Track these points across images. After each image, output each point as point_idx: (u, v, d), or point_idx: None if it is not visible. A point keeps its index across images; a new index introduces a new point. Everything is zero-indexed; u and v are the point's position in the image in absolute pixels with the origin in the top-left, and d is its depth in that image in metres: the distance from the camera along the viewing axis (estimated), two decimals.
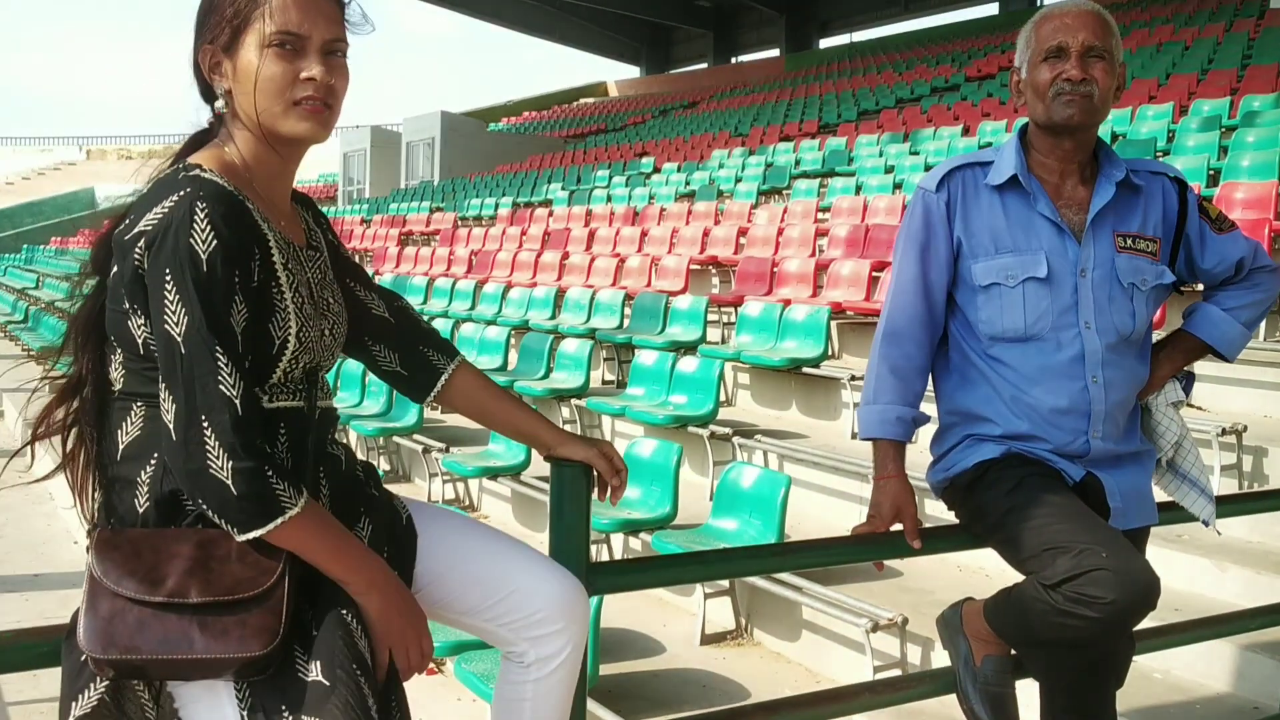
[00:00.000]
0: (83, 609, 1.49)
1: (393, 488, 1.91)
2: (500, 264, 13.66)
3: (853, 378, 6.81)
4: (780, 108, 23.09)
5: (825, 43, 35.14)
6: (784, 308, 8.04)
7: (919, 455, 2.53)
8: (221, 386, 1.48)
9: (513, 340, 9.64)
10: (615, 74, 41.41)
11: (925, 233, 2.41)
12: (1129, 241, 2.37)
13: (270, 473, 1.49)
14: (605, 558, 5.87)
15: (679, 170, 17.75)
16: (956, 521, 2.53)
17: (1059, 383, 2.32)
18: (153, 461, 1.56)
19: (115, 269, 1.56)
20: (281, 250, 1.63)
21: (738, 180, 15.20)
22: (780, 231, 10.81)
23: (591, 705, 3.97)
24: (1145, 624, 2.23)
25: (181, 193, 1.51)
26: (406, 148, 28.38)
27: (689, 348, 8.30)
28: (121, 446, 1.59)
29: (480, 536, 1.91)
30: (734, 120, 23.33)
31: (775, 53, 35.15)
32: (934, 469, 2.52)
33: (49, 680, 4.93)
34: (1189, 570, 4.32)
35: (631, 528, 5.47)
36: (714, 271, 11.26)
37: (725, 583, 5.24)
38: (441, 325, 10.67)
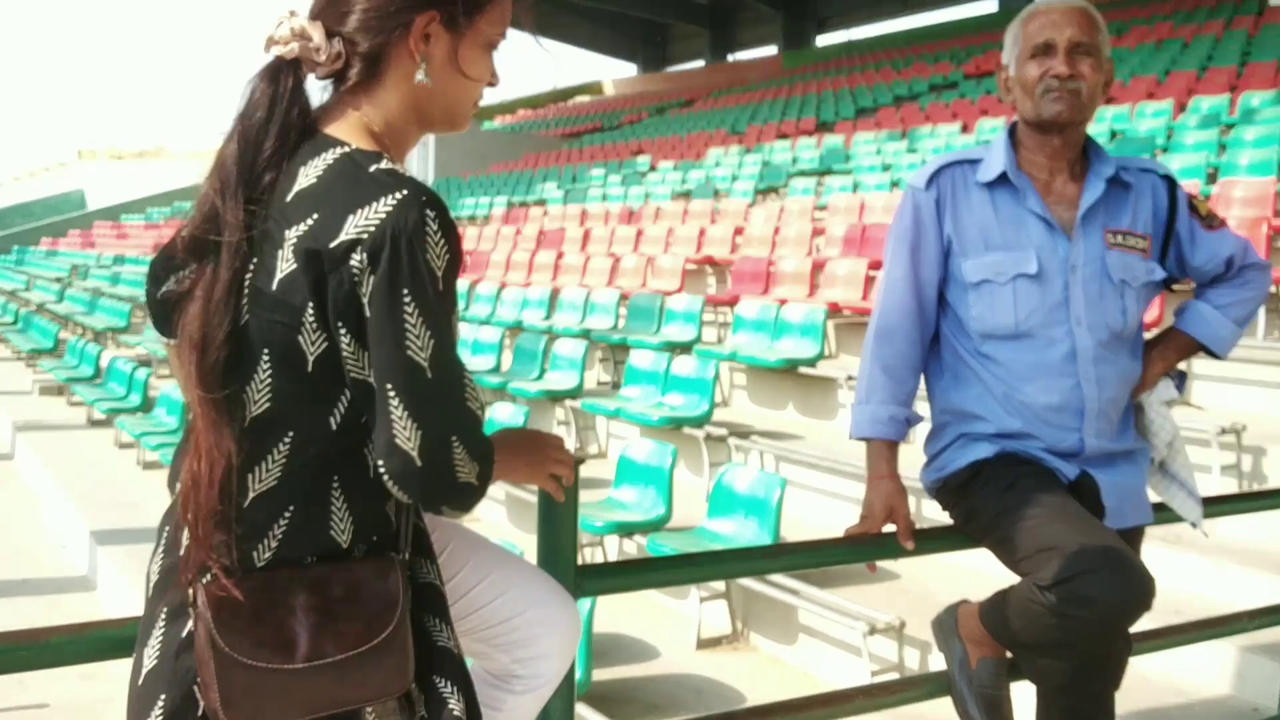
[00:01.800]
0: (211, 679, 1.37)
1: None
2: (495, 264, 13.63)
3: (850, 378, 6.78)
4: (777, 106, 23.07)
5: (823, 40, 35.13)
6: (780, 307, 8.01)
7: (915, 455, 2.51)
8: (469, 404, 1.42)
9: (507, 341, 9.61)
10: (611, 72, 41.44)
11: (915, 231, 2.41)
12: (1119, 238, 2.36)
13: (492, 450, 1.48)
14: (600, 560, 5.84)
15: (675, 169, 17.73)
16: (950, 522, 2.50)
17: (1051, 380, 2.31)
18: (288, 513, 1.43)
19: (284, 273, 1.38)
20: None
21: (734, 179, 15.18)
22: (777, 231, 10.79)
23: (585, 710, 3.95)
24: (1143, 625, 2.22)
25: (400, 195, 1.36)
26: None
27: (684, 348, 8.27)
28: (253, 490, 1.42)
29: (498, 555, 1.86)
30: (731, 118, 23.31)
31: (773, 50, 35.13)
32: (927, 469, 2.51)
33: (36, 684, 4.90)
34: (1187, 571, 4.29)
35: (626, 530, 5.44)
36: (710, 271, 11.23)
37: (721, 586, 5.21)
38: None
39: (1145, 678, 3.78)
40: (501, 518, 7.27)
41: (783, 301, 8.27)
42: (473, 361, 9.44)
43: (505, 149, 27.52)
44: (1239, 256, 2.46)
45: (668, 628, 5.27)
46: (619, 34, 39.74)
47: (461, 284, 12.32)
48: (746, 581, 4.96)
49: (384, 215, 1.34)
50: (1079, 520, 2.17)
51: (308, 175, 1.42)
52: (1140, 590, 2.05)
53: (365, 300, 1.35)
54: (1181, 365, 2.59)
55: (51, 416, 11.13)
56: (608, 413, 7.49)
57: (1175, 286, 2.53)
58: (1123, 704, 2.56)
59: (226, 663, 1.38)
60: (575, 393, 8.15)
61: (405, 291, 1.33)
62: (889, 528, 2.40)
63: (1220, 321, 2.49)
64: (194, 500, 1.38)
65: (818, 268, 9.12)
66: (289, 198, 1.41)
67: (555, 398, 8.18)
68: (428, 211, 1.35)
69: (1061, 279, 2.31)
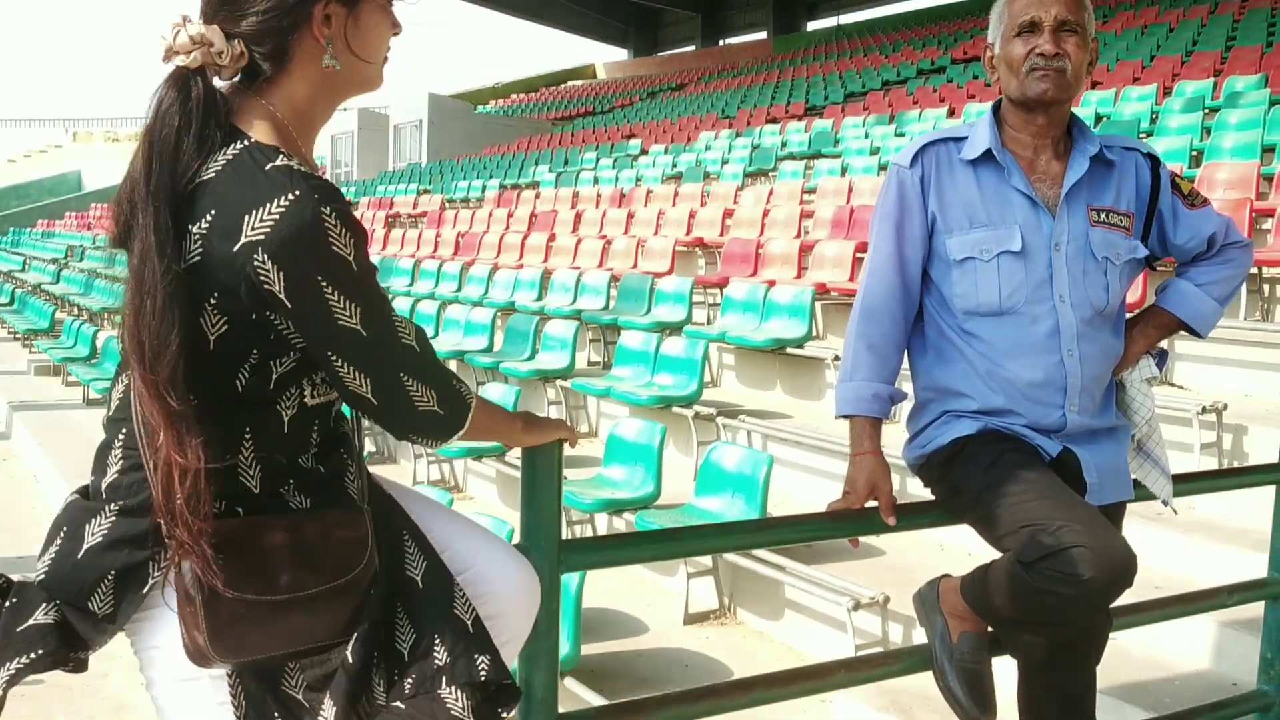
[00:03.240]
0: (198, 611, 1.45)
1: (378, 469, 1.92)
2: (487, 246, 13.62)
3: (836, 358, 6.80)
4: (767, 90, 23.04)
5: (813, 25, 35.05)
6: (768, 289, 8.04)
7: (898, 432, 2.53)
8: (403, 339, 1.56)
9: (499, 322, 9.62)
10: (603, 56, 41.30)
11: (899, 209, 2.41)
12: (1103, 216, 2.37)
13: (455, 382, 1.65)
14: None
15: (666, 152, 17.70)
16: (932, 498, 2.52)
17: (1035, 357, 2.32)
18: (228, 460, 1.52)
19: (195, 261, 1.44)
20: None
21: (724, 162, 15.17)
22: (766, 213, 10.80)
23: (574, 685, 3.99)
24: (1124, 600, 2.22)
25: (293, 194, 1.42)
26: (394, 130, 28.26)
27: (674, 329, 8.30)
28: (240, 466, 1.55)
29: (444, 515, 1.90)
30: (721, 102, 23.28)
31: (763, 35, 35.05)
32: (910, 445, 2.52)
33: None
34: (1168, 547, 4.34)
35: (615, 508, 5.47)
36: (700, 253, 11.25)
37: (708, 562, 5.25)
38: (427, 307, 10.66)
39: (1126, 652, 3.82)
40: (493, 495, 7.30)
41: (771, 283, 8.29)
42: (465, 342, 9.46)
43: (498, 132, 27.48)
44: (1221, 235, 2.48)
45: (656, 603, 5.31)
46: (611, 19, 39.59)
47: (454, 266, 12.43)
48: (733, 558, 5.00)
49: (279, 215, 1.41)
50: (1061, 497, 2.18)
51: (209, 169, 1.47)
52: (1122, 567, 2.06)
53: (282, 295, 1.43)
54: (1163, 344, 2.60)
55: (48, 396, 11.14)
56: (598, 392, 7.51)
57: (1157, 265, 2.56)
58: (1104, 678, 2.59)
59: (212, 596, 1.44)
60: (566, 373, 8.18)
61: (321, 279, 1.44)
62: (871, 503, 2.40)
63: (1202, 299, 2.50)
64: (169, 462, 1.43)
65: (806, 249, 9.15)
66: (193, 188, 1.46)
67: (546, 378, 8.21)
68: (322, 208, 1.42)
69: (1045, 256, 2.32)
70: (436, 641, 1.67)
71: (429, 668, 1.65)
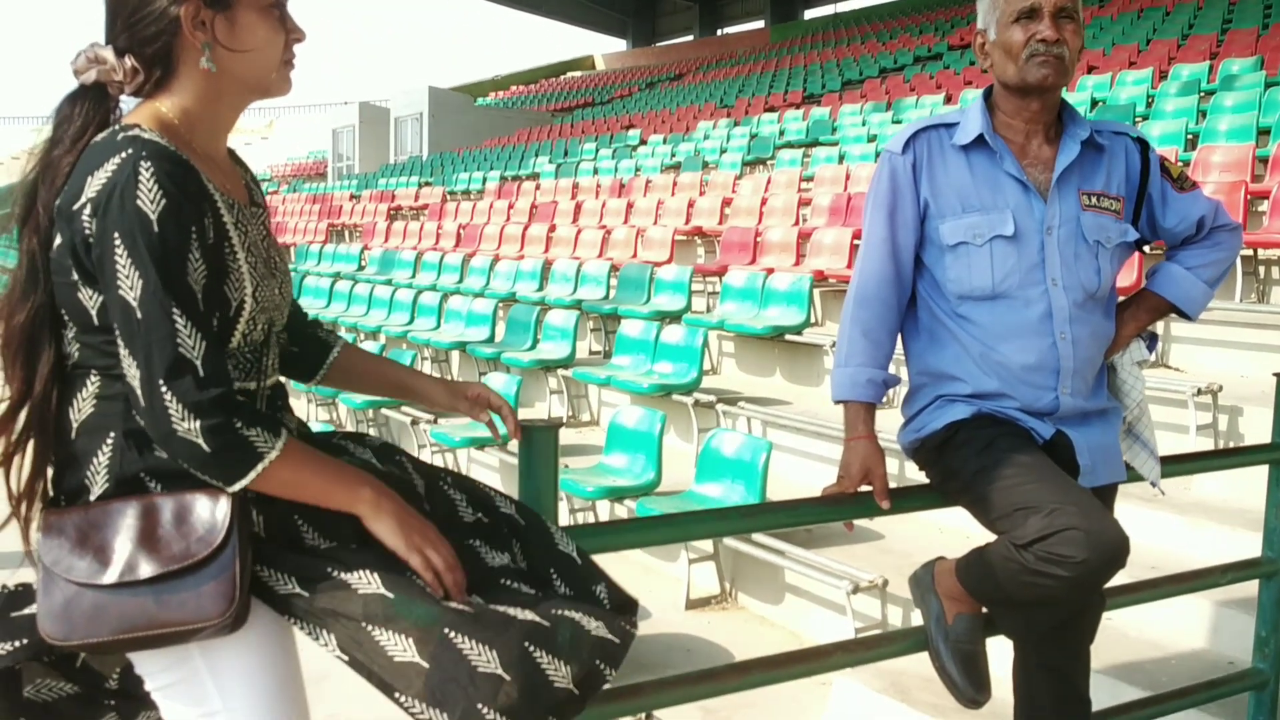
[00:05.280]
0: (39, 595, 1.48)
1: None
2: (488, 237, 13.65)
3: (834, 344, 6.82)
4: (765, 79, 23.01)
5: (810, 14, 34.99)
6: (767, 276, 8.07)
7: (893, 416, 2.56)
8: (180, 349, 1.45)
9: (500, 312, 9.66)
10: (602, 47, 41.23)
11: (892, 195, 2.43)
12: (1094, 200, 2.38)
13: (239, 423, 1.48)
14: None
15: (665, 142, 17.71)
16: (926, 481, 2.55)
17: (1028, 340, 2.34)
18: (109, 440, 1.53)
19: (59, 240, 1.51)
20: (229, 209, 1.60)
21: (723, 151, 15.17)
22: (764, 202, 10.82)
23: None
24: (1120, 580, 2.24)
25: (124, 154, 1.47)
26: (395, 123, 28.26)
27: (674, 317, 8.33)
28: (75, 424, 1.55)
29: None
30: (719, 92, 23.25)
31: (760, 24, 35.00)
32: (905, 430, 2.54)
33: None
34: (1164, 527, 4.37)
35: (616, 495, 5.51)
36: (699, 242, 11.27)
37: (709, 548, 5.29)
38: (429, 298, 10.69)
39: (1122, 632, 3.86)
40: (495, 483, 7.32)
41: (769, 271, 8.32)
42: (467, 333, 9.50)
43: (498, 124, 27.50)
44: (1210, 218, 2.49)
45: (657, 589, 5.35)
46: (609, 9, 39.53)
47: (455, 257, 12.45)
48: (734, 543, 5.04)
49: (109, 173, 1.46)
50: (1055, 480, 2.20)
51: (82, 154, 1.53)
52: (1115, 549, 2.08)
53: (95, 250, 1.47)
54: (1155, 327, 2.62)
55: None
56: (599, 381, 7.55)
57: (1147, 248, 2.58)
58: (1100, 658, 2.62)
59: (46, 575, 1.47)
60: (567, 362, 8.21)
61: (115, 235, 1.44)
62: (865, 488, 2.42)
63: (1191, 282, 2.52)
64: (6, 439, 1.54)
65: (804, 237, 9.17)
66: (71, 176, 1.53)
67: (547, 367, 8.25)
68: (141, 164, 1.45)
69: (1038, 240, 2.33)
70: (554, 575, 1.71)
71: (554, 593, 1.69)
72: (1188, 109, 9.58)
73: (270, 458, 1.50)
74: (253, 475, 1.49)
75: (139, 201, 1.44)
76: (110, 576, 1.46)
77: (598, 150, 19.03)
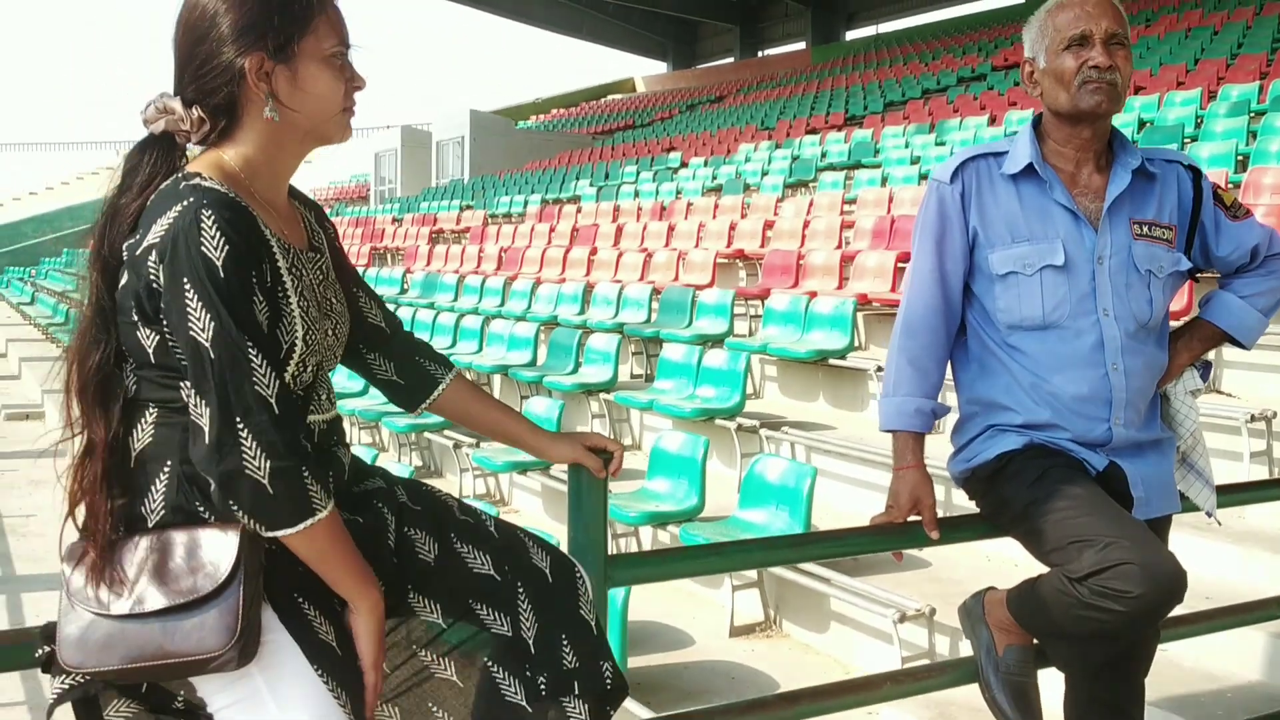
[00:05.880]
0: (59, 621, 1.54)
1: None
2: (529, 260, 13.73)
3: (879, 369, 6.81)
4: (806, 100, 23.03)
5: (851, 35, 35.00)
6: (810, 300, 8.04)
7: (942, 444, 2.54)
8: (257, 387, 1.50)
9: (542, 335, 9.69)
10: (642, 70, 41.43)
11: (940, 224, 2.42)
12: (1145, 229, 2.37)
13: (306, 472, 1.52)
14: (634, 550, 5.91)
15: (706, 165, 17.75)
16: (975, 510, 2.53)
17: (1079, 370, 2.32)
18: (166, 469, 1.58)
19: (124, 281, 1.57)
20: (284, 254, 1.64)
21: (764, 174, 15.19)
22: (806, 224, 10.80)
23: None
24: (1174, 611, 2.21)
25: (185, 202, 1.52)
26: (437, 147, 28.54)
27: (716, 341, 8.32)
28: (134, 454, 1.60)
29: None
30: (760, 114, 23.29)
31: (801, 46, 35.04)
32: (955, 459, 2.53)
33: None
34: (1219, 557, 4.30)
35: (659, 520, 5.51)
36: (740, 265, 11.27)
37: (754, 575, 5.27)
38: (471, 322, 10.75)
39: (1177, 663, 3.80)
40: (538, 508, 7.35)
41: (812, 294, 8.29)
42: (509, 356, 9.54)
43: (539, 147, 27.68)
44: (1264, 246, 2.47)
45: (701, 616, 5.33)
46: (649, 32, 39.75)
47: (497, 280, 12.53)
48: (779, 570, 5.01)
49: (171, 220, 1.52)
50: (1109, 512, 2.18)
51: (149, 201, 1.59)
52: (1172, 584, 2.06)
53: (161, 293, 1.52)
54: (1208, 355, 2.59)
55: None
56: (641, 405, 7.55)
57: (1200, 275, 2.55)
58: (1154, 690, 2.58)
59: (69, 607, 1.53)
60: (609, 386, 8.22)
61: (184, 280, 1.49)
62: (914, 517, 2.41)
63: (1246, 311, 2.49)
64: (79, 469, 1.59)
65: (847, 260, 9.13)
66: (136, 222, 1.59)
67: (589, 391, 8.27)
68: (203, 211, 1.50)
69: (1089, 270, 2.32)
70: (564, 641, 1.72)
71: (559, 670, 1.71)
72: (1238, 130, 9.47)
73: (320, 517, 1.54)
74: (300, 527, 1.53)
75: (203, 248, 1.49)
76: (122, 607, 1.51)
77: (638, 173, 19.12)
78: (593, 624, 1.78)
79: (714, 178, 16.17)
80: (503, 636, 1.75)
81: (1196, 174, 2.47)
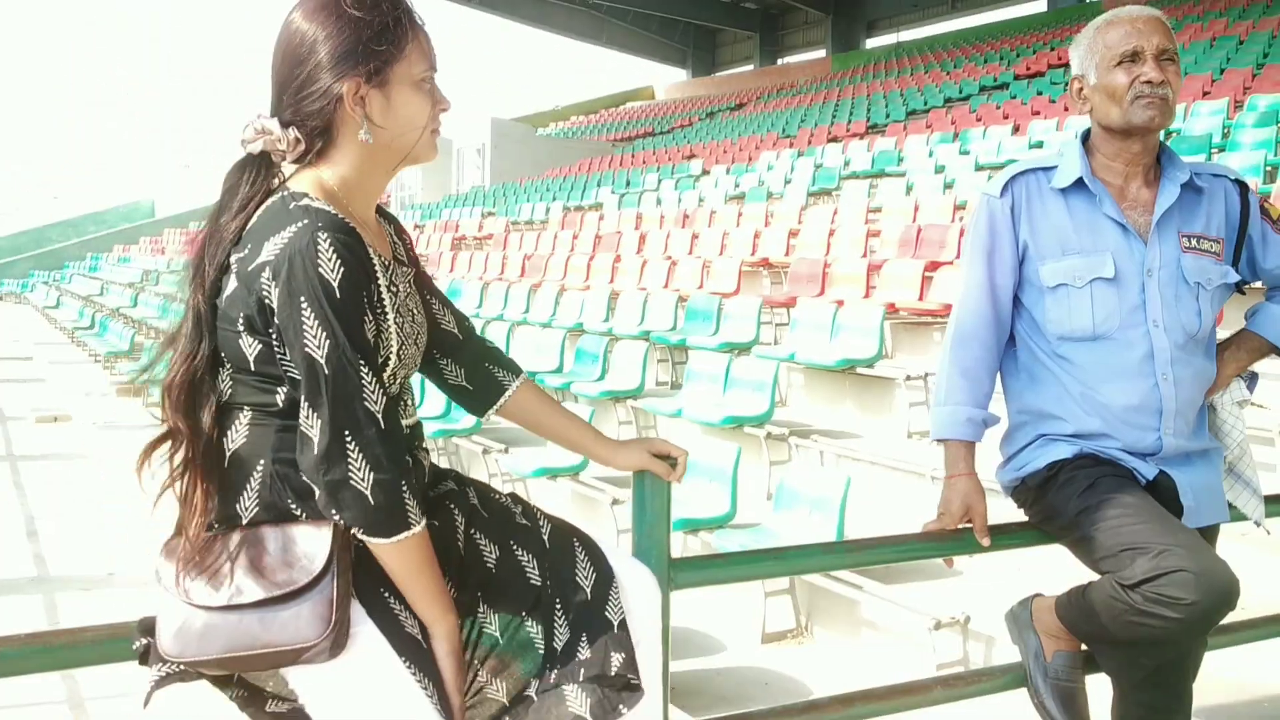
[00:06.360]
0: (158, 615, 1.61)
1: None
2: (553, 268, 13.76)
3: (908, 377, 6.83)
4: (828, 108, 23.05)
5: (871, 43, 35.01)
6: (837, 308, 8.06)
7: (989, 454, 2.56)
8: (366, 403, 1.58)
9: (567, 343, 9.73)
10: (662, 77, 41.53)
11: (990, 238, 2.47)
12: (1194, 242, 2.40)
13: (405, 488, 1.60)
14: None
15: (728, 173, 17.79)
16: (1023, 518, 2.56)
17: (1129, 381, 2.36)
18: (259, 468, 1.65)
19: (228, 292, 1.64)
20: (384, 271, 1.71)
21: (787, 182, 15.21)
22: (831, 233, 10.83)
23: None
24: None
25: (300, 224, 1.59)
26: (457, 154, 28.63)
27: (743, 349, 8.35)
28: (228, 454, 1.67)
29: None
30: (781, 121, 23.33)
31: (821, 54, 35.07)
32: (1004, 468, 2.56)
33: (86, 679, 4.85)
34: (1258, 567, 4.30)
35: (692, 527, 5.53)
36: (765, 273, 11.29)
37: (785, 581, 5.29)
38: (497, 329, 10.79)
39: (1216, 673, 3.79)
40: (567, 514, 7.35)
41: (839, 302, 8.31)
42: (534, 362, 9.58)
43: (559, 154, 27.79)
44: None
45: (733, 621, 5.35)
46: (669, 40, 39.85)
47: (521, 288, 12.57)
48: (811, 577, 5.04)
49: (286, 240, 1.58)
50: (1160, 520, 2.21)
51: (254, 217, 1.67)
52: (1225, 590, 2.09)
53: (274, 309, 1.59)
54: (1254, 366, 2.62)
55: (130, 418, 11.43)
56: (668, 413, 7.59)
57: (1246, 288, 2.58)
58: (1196, 698, 2.59)
59: (167, 600, 1.61)
60: (636, 393, 8.26)
61: (302, 299, 1.56)
62: (965, 524, 2.46)
63: None
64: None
65: (874, 269, 9.15)
66: (241, 236, 1.66)
67: (616, 398, 8.30)
68: (319, 235, 1.57)
69: (1138, 282, 2.36)
70: (583, 640, 1.78)
71: (570, 661, 1.76)
72: (1266, 140, 9.46)
73: (414, 531, 1.62)
74: (395, 539, 1.61)
75: (320, 269, 1.56)
76: (220, 599, 1.58)
77: (660, 180, 19.15)
78: (615, 623, 1.83)
79: (736, 185, 16.21)
80: (543, 651, 1.79)
81: (1244, 188, 2.50)
